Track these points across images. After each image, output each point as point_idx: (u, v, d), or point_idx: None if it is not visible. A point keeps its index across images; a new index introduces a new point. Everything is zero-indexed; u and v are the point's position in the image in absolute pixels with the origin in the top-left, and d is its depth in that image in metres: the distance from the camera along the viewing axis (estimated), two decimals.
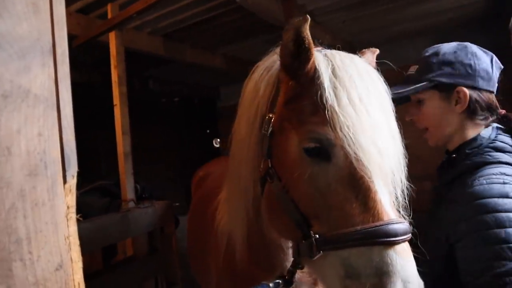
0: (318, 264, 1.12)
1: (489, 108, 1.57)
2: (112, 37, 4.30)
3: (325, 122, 1.09)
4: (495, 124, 1.57)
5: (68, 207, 0.66)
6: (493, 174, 1.37)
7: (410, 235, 1.06)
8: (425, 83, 1.56)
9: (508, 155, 1.45)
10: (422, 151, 6.66)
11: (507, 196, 1.30)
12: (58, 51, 0.68)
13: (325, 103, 1.10)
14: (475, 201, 1.33)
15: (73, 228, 0.68)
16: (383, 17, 5.17)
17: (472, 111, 1.54)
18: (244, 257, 1.57)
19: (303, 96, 1.18)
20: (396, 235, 1.03)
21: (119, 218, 3.59)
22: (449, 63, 1.55)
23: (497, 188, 1.32)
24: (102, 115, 7.43)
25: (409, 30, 5.93)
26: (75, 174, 0.68)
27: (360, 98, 1.11)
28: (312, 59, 1.19)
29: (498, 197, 1.30)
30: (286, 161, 1.20)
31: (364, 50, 1.48)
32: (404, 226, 1.05)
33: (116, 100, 4.25)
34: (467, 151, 1.51)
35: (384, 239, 1.02)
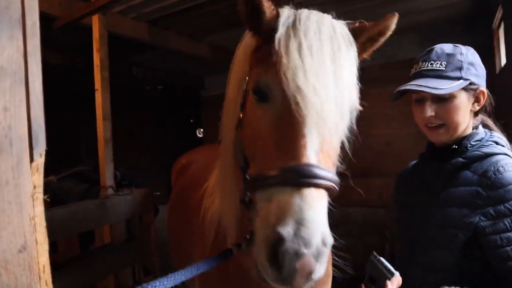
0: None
1: (485, 109, 1.74)
2: (95, 21, 4.20)
3: (271, 66, 1.14)
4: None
5: (34, 187, 0.63)
6: (510, 163, 1.53)
7: (329, 183, 1.07)
8: (461, 81, 1.60)
9: (506, 148, 1.63)
10: (402, 147, 6.72)
11: None
12: (28, 22, 0.64)
13: (276, 49, 1.14)
14: (509, 185, 1.46)
15: (39, 209, 0.65)
16: (373, 12, 5.17)
17: (479, 110, 1.70)
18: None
19: (263, 47, 1.25)
20: (304, 177, 1.03)
21: (97, 205, 3.54)
22: (473, 64, 1.64)
23: None
24: (84, 100, 7.30)
25: (397, 27, 5.96)
26: (43, 153, 0.65)
27: (310, 47, 1.13)
28: (267, 13, 1.25)
29: None
30: (246, 107, 1.28)
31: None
32: (318, 171, 1.05)
33: (97, 84, 4.17)
34: (472, 142, 1.64)
35: (293, 179, 1.03)
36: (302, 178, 1.04)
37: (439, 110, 1.63)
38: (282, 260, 0.99)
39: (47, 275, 0.65)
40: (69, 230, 3.30)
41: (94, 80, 4.20)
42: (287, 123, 1.12)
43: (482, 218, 1.48)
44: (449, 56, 1.64)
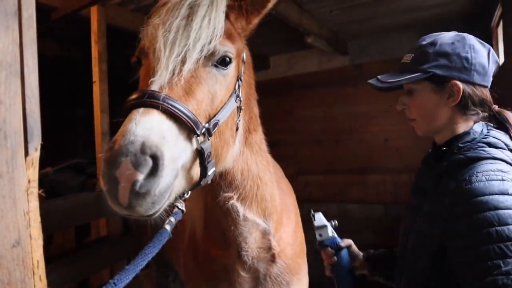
0: None
1: (482, 104, 1.54)
2: (94, 12, 4.16)
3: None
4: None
5: (29, 181, 0.63)
6: (491, 171, 1.34)
7: (164, 104, 1.22)
8: (419, 73, 1.51)
9: (501, 151, 1.43)
10: (400, 143, 6.74)
11: (507, 193, 1.27)
12: (25, 14, 0.63)
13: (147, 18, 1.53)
14: (474, 198, 1.29)
15: (34, 204, 0.64)
16: (371, 9, 5.15)
17: (464, 105, 1.51)
18: (203, 234, 1.61)
19: None
20: (136, 99, 1.24)
21: (94, 198, 3.53)
22: (445, 55, 1.50)
23: (497, 185, 1.29)
24: (81, 92, 7.26)
25: (396, 23, 5.93)
26: (39, 147, 0.64)
27: (167, 11, 1.43)
28: None
29: (499, 194, 1.27)
30: None
31: None
32: (151, 95, 1.23)
33: (95, 77, 4.14)
34: (460, 145, 1.48)
35: (130, 105, 1.24)
36: (135, 100, 1.23)
37: (409, 104, 1.61)
38: (105, 171, 1.11)
39: (41, 270, 0.65)
40: (65, 222, 3.29)
41: (92, 72, 4.17)
42: (149, 67, 1.39)
43: (446, 231, 1.36)
44: (420, 47, 1.57)
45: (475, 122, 1.54)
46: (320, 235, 2.00)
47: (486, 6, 5.20)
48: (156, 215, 1.22)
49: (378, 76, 1.66)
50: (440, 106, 1.52)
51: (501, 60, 4.61)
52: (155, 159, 1.11)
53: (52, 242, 3.87)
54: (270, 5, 1.67)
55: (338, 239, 1.98)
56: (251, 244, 1.89)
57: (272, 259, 1.98)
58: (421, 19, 5.77)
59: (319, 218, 2.04)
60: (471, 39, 1.55)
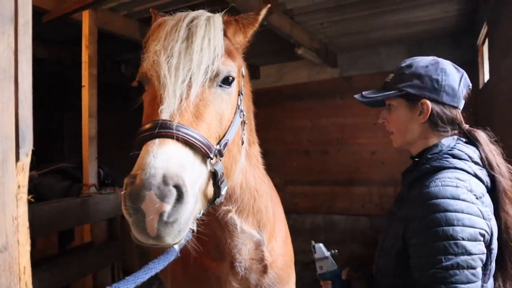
0: None
1: (452, 122, 1.68)
2: (85, 16, 4.15)
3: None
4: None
5: (19, 186, 0.62)
6: (448, 178, 1.50)
7: (178, 133, 1.22)
8: (393, 91, 1.69)
9: (464, 162, 1.58)
10: (387, 156, 6.81)
11: (458, 198, 1.42)
12: (21, 20, 0.63)
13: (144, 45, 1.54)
14: (429, 200, 1.45)
15: (23, 209, 0.64)
16: (361, 22, 5.23)
17: (434, 122, 1.66)
18: (196, 248, 1.62)
19: None
20: (151, 130, 1.23)
21: (79, 203, 3.49)
22: (418, 76, 1.66)
23: (450, 190, 1.45)
24: (69, 96, 7.19)
25: (385, 38, 6.03)
26: (30, 153, 0.64)
27: (165, 35, 1.43)
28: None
29: (450, 198, 1.42)
30: None
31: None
32: (165, 125, 1.23)
33: (85, 81, 4.11)
34: (428, 156, 1.64)
35: (144, 137, 1.23)
36: (149, 131, 1.23)
37: (387, 118, 1.78)
38: (129, 205, 1.10)
39: (27, 277, 0.64)
40: (49, 227, 3.24)
41: (81, 76, 4.15)
42: (155, 94, 1.39)
43: (406, 230, 1.50)
44: (399, 69, 1.75)
45: (443, 138, 1.69)
46: (321, 267, 2.00)
47: (473, 25, 5.32)
48: (181, 242, 1.23)
49: (363, 92, 1.82)
50: (412, 122, 1.69)
51: (486, 77, 4.71)
52: (178, 187, 1.12)
53: (34, 247, 3.80)
54: (262, 16, 1.72)
55: (339, 271, 1.99)
56: (245, 256, 1.89)
57: (264, 270, 1.99)
58: (410, 35, 5.88)
59: (320, 250, 2.03)
60: (445, 64, 1.70)
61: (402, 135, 1.74)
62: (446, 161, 1.58)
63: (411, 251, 1.48)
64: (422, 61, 1.71)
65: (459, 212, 1.39)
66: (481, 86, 4.91)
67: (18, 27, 0.63)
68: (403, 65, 1.75)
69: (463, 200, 1.42)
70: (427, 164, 1.62)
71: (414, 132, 1.70)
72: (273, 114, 7.29)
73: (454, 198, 1.42)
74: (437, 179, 1.51)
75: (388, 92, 1.70)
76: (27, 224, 0.65)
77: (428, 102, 1.63)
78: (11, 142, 0.62)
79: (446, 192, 1.44)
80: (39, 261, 3.23)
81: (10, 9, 0.62)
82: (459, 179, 1.49)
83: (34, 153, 0.69)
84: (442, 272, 1.35)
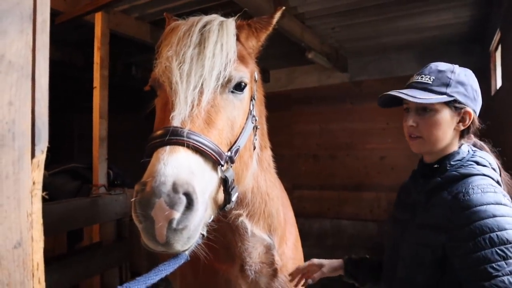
0: None
1: (475, 132, 1.73)
2: (98, 18, 4.19)
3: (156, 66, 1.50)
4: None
5: (34, 183, 0.63)
6: (484, 185, 1.51)
7: (189, 140, 1.22)
8: (444, 96, 1.62)
9: (487, 169, 1.60)
10: (396, 162, 6.75)
11: (500, 203, 1.44)
12: (39, 18, 0.64)
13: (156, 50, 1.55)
14: (474, 207, 1.44)
15: (37, 206, 0.64)
16: (372, 27, 5.22)
17: (466, 131, 1.69)
18: (205, 248, 1.62)
19: None
20: (161, 137, 1.23)
21: (88, 203, 3.51)
22: (463, 84, 1.64)
23: (492, 196, 1.46)
24: (80, 97, 7.25)
25: (396, 43, 6.00)
26: (45, 149, 0.65)
27: (177, 41, 1.43)
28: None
29: (495, 204, 1.43)
30: None
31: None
32: (176, 132, 1.23)
33: (96, 82, 4.15)
34: (452, 162, 1.64)
35: (155, 144, 1.23)
36: (160, 138, 1.23)
37: (420, 121, 1.66)
38: (139, 211, 1.11)
39: (40, 273, 0.65)
40: (59, 226, 3.26)
41: (93, 78, 4.19)
42: (167, 103, 1.39)
43: (450, 239, 1.47)
44: (440, 72, 1.67)
45: (461, 145, 1.70)
46: None
47: (485, 31, 5.27)
48: (190, 248, 1.24)
49: (394, 91, 1.71)
50: (449, 128, 1.65)
51: (499, 84, 4.66)
52: (188, 195, 1.13)
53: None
54: (276, 19, 1.71)
55: None
56: (255, 259, 1.89)
57: (274, 273, 1.98)
58: (421, 40, 5.85)
59: None
60: (473, 74, 1.71)
61: (434, 141, 1.66)
62: (473, 167, 1.59)
63: (461, 260, 1.44)
64: (459, 68, 1.69)
65: (506, 216, 1.40)
66: (493, 92, 4.86)
67: (37, 25, 0.64)
68: (441, 68, 1.68)
69: (505, 204, 1.44)
70: (453, 171, 1.61)
71: (447, 139, 1.66)
72: (282, 118, 7.29)
73: (497, 203, 1.43)
74: (474, 186, 1.50)
75: (441, 96, 1.61)
76: (41, 220, 0.66)
77: (472, 112, 1.64)
78: (27, 139, 0.63)
79: (489, 198, 1.44)
80: (48, 260, 3.25)
81: (29, 7, 0.63)
82: (492, 185, 1.52)
83: (48, 151, 0.70)
84: (510, 278, 1.32)
